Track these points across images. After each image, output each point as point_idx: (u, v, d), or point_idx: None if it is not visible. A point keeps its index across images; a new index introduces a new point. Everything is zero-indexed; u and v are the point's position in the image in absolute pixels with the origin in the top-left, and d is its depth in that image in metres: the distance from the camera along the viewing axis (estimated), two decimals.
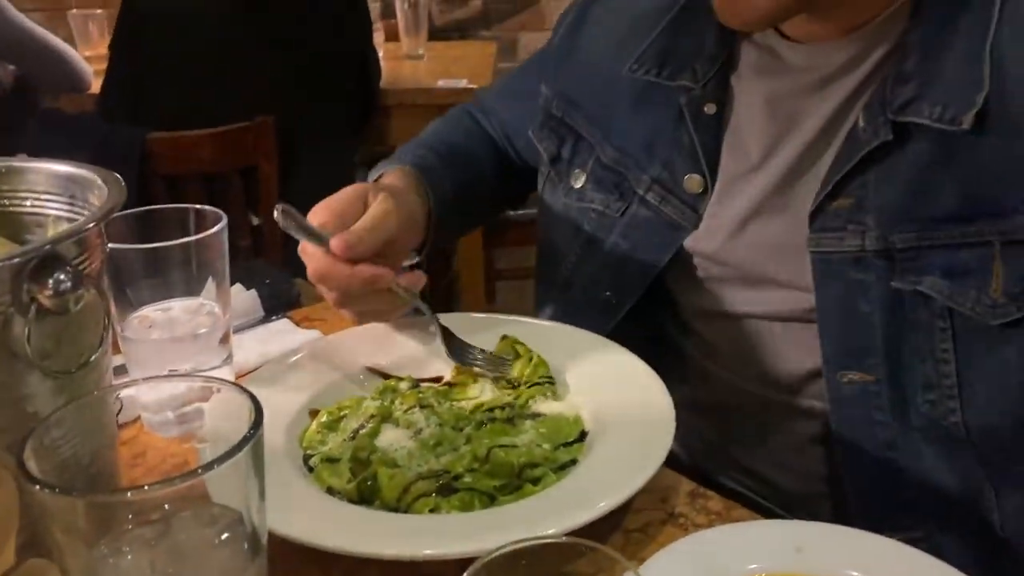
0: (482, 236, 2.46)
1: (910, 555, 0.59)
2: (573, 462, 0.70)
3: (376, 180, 0.96)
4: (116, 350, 0.66)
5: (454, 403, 0.78)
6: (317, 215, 0.80)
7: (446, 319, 0.86)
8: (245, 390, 0.48)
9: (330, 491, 0.68)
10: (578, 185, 0.96)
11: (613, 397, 0.75)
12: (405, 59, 2.73)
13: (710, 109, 0.87)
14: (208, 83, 2.07)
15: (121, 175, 0.61)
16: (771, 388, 0.88)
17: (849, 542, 0.61)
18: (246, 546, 0.47)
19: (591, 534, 0.58)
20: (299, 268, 0.85)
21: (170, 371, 0.73)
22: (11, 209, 0.64)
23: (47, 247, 0.51)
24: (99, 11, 2.79)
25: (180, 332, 0.74)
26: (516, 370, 0.81)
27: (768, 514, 0.81)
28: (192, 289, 0.74)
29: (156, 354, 0.73)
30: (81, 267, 0.53)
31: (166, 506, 0.45)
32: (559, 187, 0.99)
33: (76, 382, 0.55)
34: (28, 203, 0.64)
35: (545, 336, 0.84)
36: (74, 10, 2.83)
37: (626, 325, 0.93)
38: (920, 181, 0.75)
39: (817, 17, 0.80)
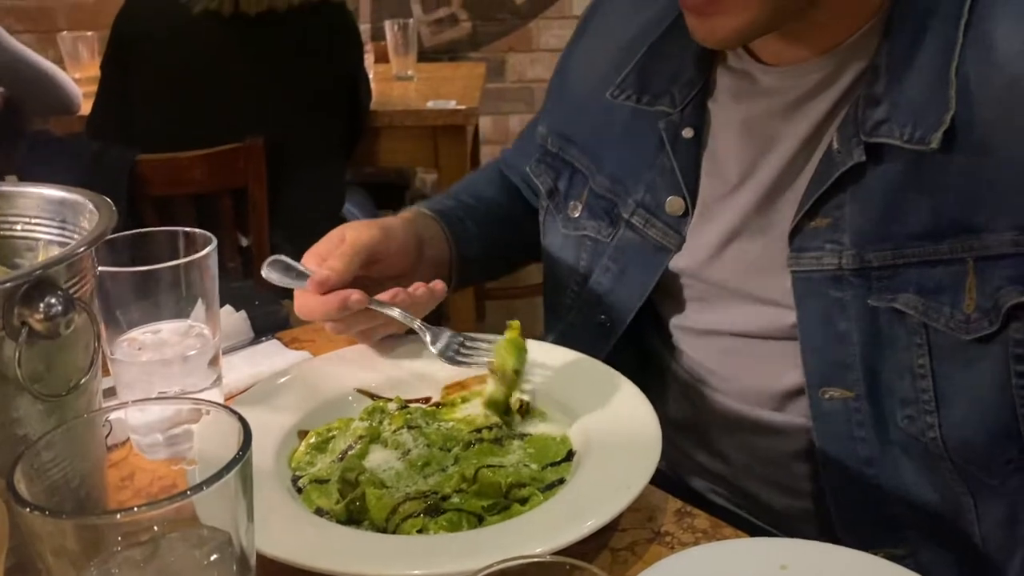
0: None
1: (893, 573, 0.59)
2: (560, 482, 0.70)
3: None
4: (106, 372, 0.67)
5: (442, 424, 0.78)
6: (306, 262, 0.86)
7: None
8: (234, 412, 0.48)
9: (319, 512, 0.68)
10: (575, 215, 0.99)
11: (600, 416, 0.76)
12: (395, 80, 2.75)
13: (688, 133, 0.89)
14: (198, 105, 2.07)
15: (110, 196, 0.61)
16: (756, 405, 0.89)
17: (833, 559, 0.61)
18: (235, 567, 0.47)
19: (578, 553, 0.59)
20: (287, 289, 0.86)
21: (159, 393, 0.73)
22: (2, 234, 0.65)
23: (38, 272, 0.51)
24: (89, 33, 2.80)
25: (169, 354, 0.74)
26: (498, 356, 0.80)
27: (755, 531, 0.81)
28: (181, 311, 0.74)
29: (145, 376, 0.74)
30: (72, 291, 0.53)
31: (155, 528, 0.45)
32: (557, 219, 1.01)
33: (66, 405, 0.55)
34: (19, 227, 0.65)
35: (532, 355, 0.85)
36: (64, 32, 2.84)
37: (618, 345, 0.94)
38: (894, 200, 0.77)
39: (790, 38, 0.81)
